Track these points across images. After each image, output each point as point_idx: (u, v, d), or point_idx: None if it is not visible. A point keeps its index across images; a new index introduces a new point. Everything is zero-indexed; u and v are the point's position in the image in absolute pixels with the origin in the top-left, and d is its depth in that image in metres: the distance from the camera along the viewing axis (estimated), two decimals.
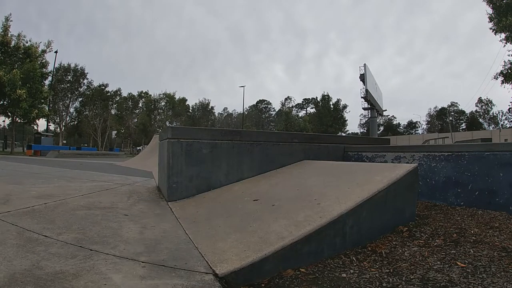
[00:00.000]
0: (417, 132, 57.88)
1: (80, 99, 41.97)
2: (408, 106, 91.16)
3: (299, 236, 1.71)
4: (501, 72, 22.08)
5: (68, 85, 39.78)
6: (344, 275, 1.58)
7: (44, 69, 26.62)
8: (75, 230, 1.97)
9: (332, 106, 52.41)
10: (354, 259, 1.77)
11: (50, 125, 35.01)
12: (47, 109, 27.84)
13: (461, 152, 3.07)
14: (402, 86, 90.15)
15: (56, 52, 28.37)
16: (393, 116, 60.70)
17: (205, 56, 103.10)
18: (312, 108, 59.63)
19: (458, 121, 57.10)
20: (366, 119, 42.18)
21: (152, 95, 49.63)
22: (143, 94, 49.78)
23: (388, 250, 1.88)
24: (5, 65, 23.21)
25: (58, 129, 40.44)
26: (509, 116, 48.01)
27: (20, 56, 24.86)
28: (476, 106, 53.28)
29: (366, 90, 30.47)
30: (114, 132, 48.88)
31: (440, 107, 58.77)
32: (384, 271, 1.60)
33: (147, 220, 2.38)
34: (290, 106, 62.24)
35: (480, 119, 53.87)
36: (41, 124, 58.64)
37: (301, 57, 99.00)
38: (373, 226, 2.08)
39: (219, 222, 2.23)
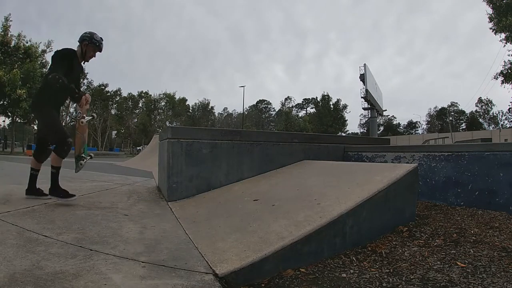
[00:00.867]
0: (417, 132, 57.86)
1: None
2: (408, 106, 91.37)
3: (299, 236, 1.71)
4: (501, 72, 22.10)
5: None
6: (344, 275, 1.58)
7: (44, 69, 26.60)
8: (75, 230, 1.97)
9: (332, 106, 52.48)
10: (354, 259, 1.77)
11: None
12: None
13: (461, 152, 3.07)
14: (402, 86, 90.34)
15: None
16: (393, 116, 60.78)
17: (205, 56, 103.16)
18: (312, 108, 59.71)
19: (458, 121, 57.08)
20: (366, 119, 42.26)
21: (152, 95, 49.79)
22: (143, 94, 49.89)
23: (388, 250, 1.88)
24: (5, 65, 23.25)
25: None
26: (509, 116, 48.08)
27: (20, 56, 24.90)
28: (476, 106, 53.39)
29: (366, 90, 30.49)
30: (114, 132, 48.94)
31: (440, 107, 58.83)
32: (384, 271, 1.60)
33: (147, 220, 2.38)
34: (290, 106, 62.31)
35: (480, 119, 53.90)
36: None
37: (301, 57, 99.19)
38: (373, 226, 2.08)
39: (219, 222, 2.23)
